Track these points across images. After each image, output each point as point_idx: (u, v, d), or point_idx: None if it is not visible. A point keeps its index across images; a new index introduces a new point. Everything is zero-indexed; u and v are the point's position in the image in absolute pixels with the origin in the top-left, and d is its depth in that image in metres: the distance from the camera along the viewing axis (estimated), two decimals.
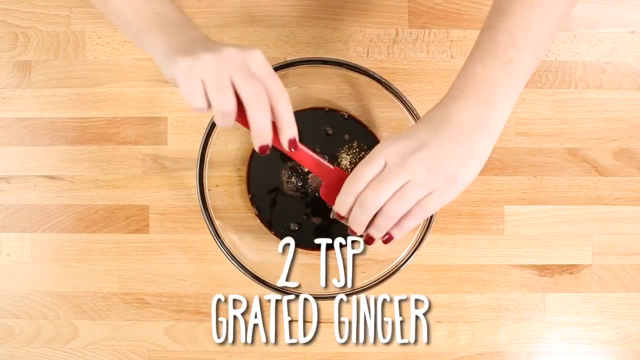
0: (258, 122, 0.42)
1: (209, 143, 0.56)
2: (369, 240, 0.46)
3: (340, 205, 0.45)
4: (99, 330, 0.64)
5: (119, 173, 0.64)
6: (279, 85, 0.43)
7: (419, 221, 0.45)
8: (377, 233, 0.45)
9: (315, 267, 0.62)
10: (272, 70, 0.43)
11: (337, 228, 0.62)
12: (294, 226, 0.62)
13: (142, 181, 0.64)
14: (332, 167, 0.48)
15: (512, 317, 0.64)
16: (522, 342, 0.64)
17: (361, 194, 0.44)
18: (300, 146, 0.46)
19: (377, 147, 0.45)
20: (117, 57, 0.64)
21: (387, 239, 0.45)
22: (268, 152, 0.44)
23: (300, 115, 0.62)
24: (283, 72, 0.55)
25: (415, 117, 0.55)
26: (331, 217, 0.48)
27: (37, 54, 0.64)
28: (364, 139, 0.61)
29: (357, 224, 0.45)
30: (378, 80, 0.55)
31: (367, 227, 0.45)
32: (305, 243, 0.61)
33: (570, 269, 0.64)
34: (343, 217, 0.46)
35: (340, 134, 0.61)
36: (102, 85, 0.64)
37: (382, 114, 0.61)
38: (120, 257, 0.64)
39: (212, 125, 0.55)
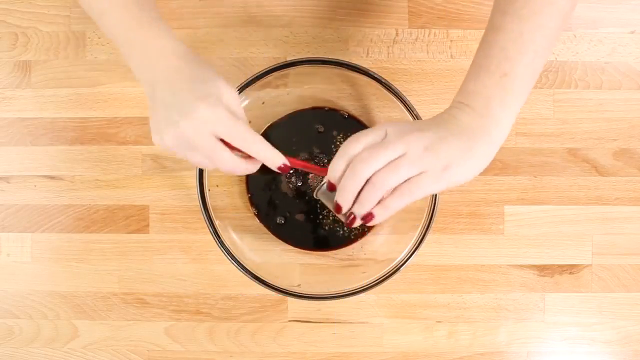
0: (240, 171, 0.46)
1: None
2: (351, 221, 0.45)
3: (333, 170, 0.45)
4: (99, 330, 0.64)
5: (119, 173, 0.64)
6: (240, 138, 0.44)
7: (402, 203, 0.44)
8: (360, 209, 0.44)
9: (316, 267, 0.62)
10: (233, 123, 0.44)
11: (336, 226, 0.62)
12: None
13: (142, 181, 0.64)
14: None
15: (512, 317, 0.64)
16: (522, 342, 0.64)
17: (355, 157, 0.43)
18: (296, 162, 0.48)
19: (381, 123, 0.45)
20: (117, 57, 0.64)
21: (369, 217, 0.44)
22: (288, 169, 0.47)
23: (301, 115, 0.62)
24: (283, 72, 0.55)
25: (415, 117, 0.55)
26: (314, 196, 0.48)
27: (37, 54, 0.64)
28: None
29: (345, 193, 0.44)
30: (378, 80, 0.55)
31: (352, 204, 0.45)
32: (304, 243, 0.61)
33: (570, 269, 0.64)
34: (333, 187, 0.45)
35: (340, 133, 0.61)
36: (102, 85, 0.64)
37: (382, 114, 0.61)
38: (120, 257, 0.64)
39: None
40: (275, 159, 0.46)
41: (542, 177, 0.64)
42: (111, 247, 0.64)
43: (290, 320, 0.64)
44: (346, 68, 0.55)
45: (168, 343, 0.64)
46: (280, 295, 0.62)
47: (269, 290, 0.56)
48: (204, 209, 0.56)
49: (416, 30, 0.63)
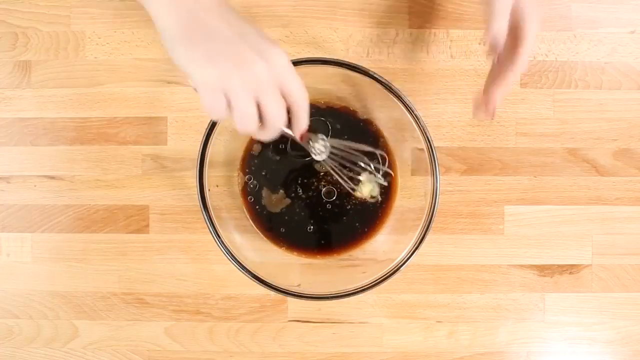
0: (270, 130, 0.45)
1: (209, 143, 0.56)
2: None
3: (498, 30, 0.48)
4: (99, 330, 0.64)
5: (119, 173, 0.64)
6: (298, 88, 0.44)
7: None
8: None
9: (316, 267, 0.62)
10: (293, 72, 0.44)
11: (336, 231, 0.62)
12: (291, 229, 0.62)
13: (142, 181, 0.64)
14: None
15: (512, 317, 0.64)
16: (522, 342, 0.64)
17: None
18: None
19: None
20: (117, 57, 0.64)
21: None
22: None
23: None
24: None
25: (415, 117, 0.55)
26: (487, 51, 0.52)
27: (37, 54, 0.64)
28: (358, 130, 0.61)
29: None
30: (378, 80, 0.55)
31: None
32: (304, 247, 0.61)
33: (570, 269, 0.64)
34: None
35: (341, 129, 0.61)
36: (102, 85, 0.64)
37: (382, 114, 0.61)
38: (120, 257, 0.64)
39: (212, 125, 0.55)
40: (305, 125, 0.46)
41: (542, 177, 0.64)
42: (111, 247, 0.64)
43: (290, 320, 0.64)
44: (346, 68, 0.55)
45: (168, 343, 0.64)
46: (280, 295, 0.62)
47: (269, 290, 0.56)
48: (204, 209, 0.56)
49: (416, 30, 0.63)
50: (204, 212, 0.56)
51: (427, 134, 0.55)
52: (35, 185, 0.64)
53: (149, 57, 0.63)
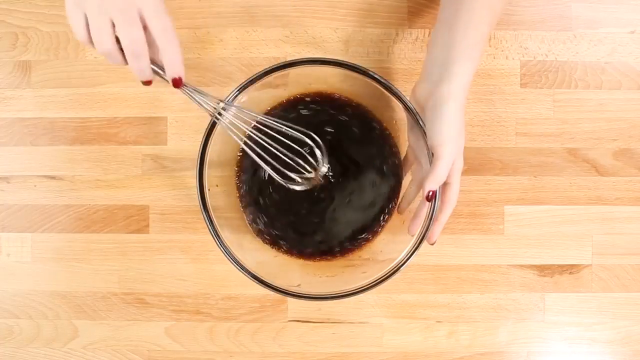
0: (134, 69, 0.45)
1: (209, 143, 0.56)
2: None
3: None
4: (99, 330, 0.64)
5: (119, 173, 0.64)
6: (162, 26, 0.44)
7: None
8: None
9: (316, 267, 0.62)
10: (161, 10, 0.44)
11: (336, 233, 0.62)
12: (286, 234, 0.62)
13: (142, 181, 0.64)
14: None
15: (512, 317, 0.64)
16: (522, 342, 0.64)
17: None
18: (185, 87, 0.47)
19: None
20: None
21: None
22: (151, 84, 0.47)
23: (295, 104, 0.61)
24: (283, 72, 0.55)
25: (416, 116, 0.55)
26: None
27: (37, 54, 0.64)
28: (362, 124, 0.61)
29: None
30: (378, 80, 0.55)
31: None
32: (303, 249, 0.61)
33: (570, 269, 0.64)
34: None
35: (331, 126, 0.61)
36: (102, 85, 0.64)
37: (383, 114, 0.61)
38: (120, 257, 0.64)
39: (212, 125, 0.55)
40: (176, 67, 0.45)
41: (542, 177, 0.64)
42: (111, 247, 0.64)
43: (290, 320, 0.64)
44: (346, 68, 0.55)
45: (168, 343, 0.64)
46: (280, 295, 0.62)
47: (269, 290, 0.56)
48: (204, 209, 0.56)
49: (416, 30, 0.63)
50: (203, 213, 0.56)
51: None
52: (35, 185, 0.64)
53: None
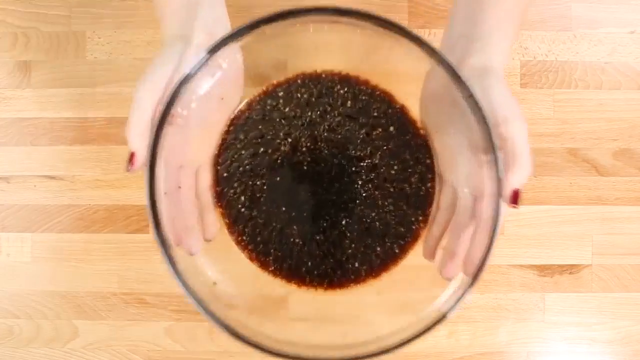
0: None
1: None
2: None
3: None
4: (99, 330, 0.64)
5: (119, 173, 0.64)
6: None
7: None
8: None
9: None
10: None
11: (353, 253, 0.55)
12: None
13: (142, 181, 0.64)
14: None
15: (512, 317, 0.64)
16: (522, 342, 0.64)
17: None
18: None
19: None
20: (117, 57, 0.64)
21: None
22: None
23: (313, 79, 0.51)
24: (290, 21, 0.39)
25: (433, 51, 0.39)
26: None
27: (37, 54, 0.64)
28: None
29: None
30: (395, 25, 0.39)
31: None
32: (305, 276, 0.53)
33: (570, 269, 0.64)
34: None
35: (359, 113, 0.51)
36: (102, 85, 0.64)
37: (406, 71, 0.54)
38: (120, 257, 0.64)
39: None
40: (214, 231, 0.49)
41: (542, 177, 0.64)
42: (111, 247, 0.64)
43: (290, 320, 0.64)
44: (356, 18, 0.39)
45: (168, 343, 0.64)
46: (280, 295, 0.62)
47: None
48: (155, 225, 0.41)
49: (416, 30, 0.63)
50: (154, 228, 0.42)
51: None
52: (35, 185, 0.64)
53: (149, 57, 0.63)
